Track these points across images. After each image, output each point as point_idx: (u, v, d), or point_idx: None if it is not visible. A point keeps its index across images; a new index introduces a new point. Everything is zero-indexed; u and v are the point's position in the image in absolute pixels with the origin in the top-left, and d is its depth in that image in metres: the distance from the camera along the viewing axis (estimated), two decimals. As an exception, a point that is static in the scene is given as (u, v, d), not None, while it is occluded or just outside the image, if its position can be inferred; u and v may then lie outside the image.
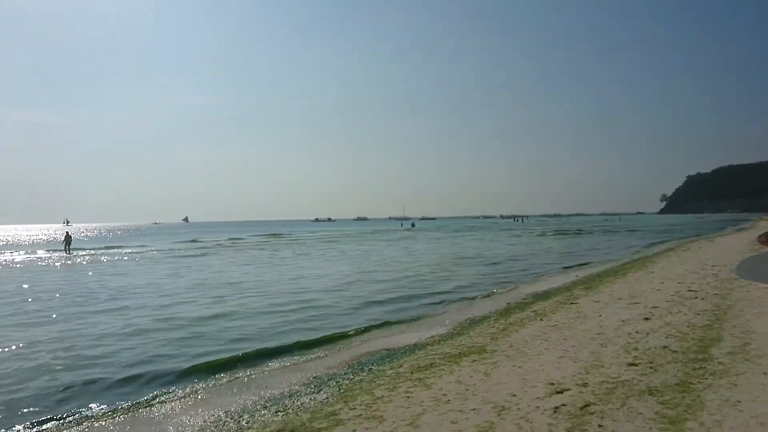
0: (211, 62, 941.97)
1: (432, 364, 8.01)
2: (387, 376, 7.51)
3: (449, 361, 8.04)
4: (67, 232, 47.66)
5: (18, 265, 31.90)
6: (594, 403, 5.53)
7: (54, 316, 13.76)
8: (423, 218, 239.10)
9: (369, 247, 45.26)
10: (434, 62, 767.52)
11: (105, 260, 34.46)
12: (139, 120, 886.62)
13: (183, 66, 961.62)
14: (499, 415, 5.46)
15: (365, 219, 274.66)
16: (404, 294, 16.51)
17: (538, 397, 5.88)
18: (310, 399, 6.80)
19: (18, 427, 6.59)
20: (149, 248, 49.08)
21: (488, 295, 15.93)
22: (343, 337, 11.01)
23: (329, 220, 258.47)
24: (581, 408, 5.44)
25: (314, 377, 8.02)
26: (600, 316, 10.43)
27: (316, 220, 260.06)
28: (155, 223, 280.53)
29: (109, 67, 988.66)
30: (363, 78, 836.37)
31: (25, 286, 20.37)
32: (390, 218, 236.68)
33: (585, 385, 6.17)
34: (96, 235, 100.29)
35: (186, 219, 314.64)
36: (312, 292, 17.29)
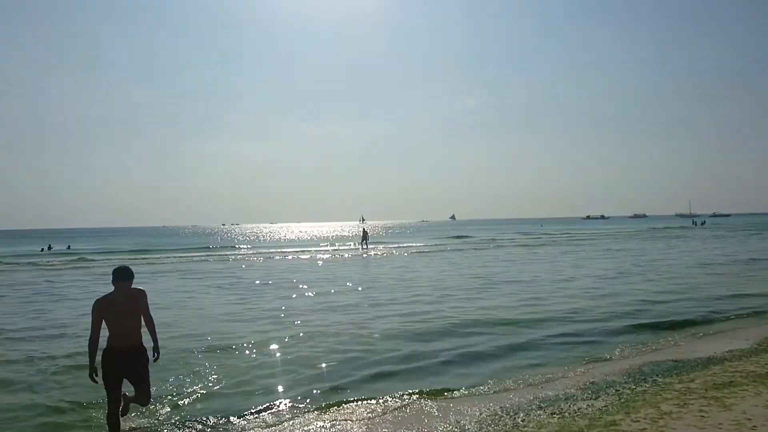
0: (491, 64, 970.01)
1: (731, 382, 7.05)
2: (675, 390, 6.86)
3: (754, 381, 6.98)
4: (363, 229, 54.11)
5: (322, 258, 37.12)
6: None
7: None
8: (714, 215, 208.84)
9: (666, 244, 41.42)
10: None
11: (405, 255, 38.15)
12: (419, 123, 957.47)
13: (464, 68, 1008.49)
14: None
15: (643, 216, 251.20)
16: (683, 297, 14.98)
17: None
18: (588, 405, 6.58)
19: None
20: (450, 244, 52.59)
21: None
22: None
23: (602, 217, 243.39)
24: None
25: (591, 382, 7.73)
26: None
27: (588, 217, 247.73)
28: (423, 221, 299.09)
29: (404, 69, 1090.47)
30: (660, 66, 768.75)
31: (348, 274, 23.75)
32: (677, 215, 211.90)
33: None
34: (383, 233, 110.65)
35: (453, 217, 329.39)
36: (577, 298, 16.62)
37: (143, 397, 6.14)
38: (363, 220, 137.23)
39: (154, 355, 6.16)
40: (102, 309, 5.73)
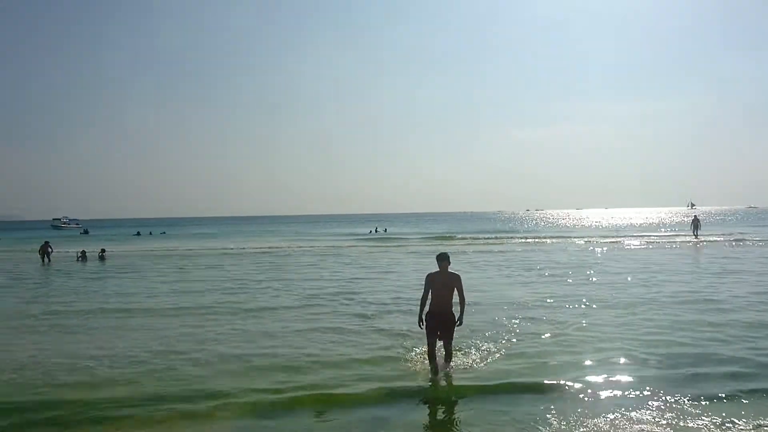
0: None
1: None
2: None
3: None
4: (695, 216, 49.11)
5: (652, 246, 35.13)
6: None
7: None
8: None
9: None
10: None
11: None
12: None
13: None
14: None
15: None
16: None
17: None
18: None
19: None
20: None
21: None
22: None
23: None
24: None
25: None
26: None
27: None
28: (751, 207, 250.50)
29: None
30: None
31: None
32: None
33: None
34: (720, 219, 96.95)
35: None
36: None
37: (447, 349, 8.47)
38: (692, 205, 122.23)
39: (458, 322, 8.35)
40: (428, 280, 8.31)
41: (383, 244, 45.86)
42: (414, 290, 14.85)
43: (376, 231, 72.41)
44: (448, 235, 59.80)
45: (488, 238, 50.94)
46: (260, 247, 44.40)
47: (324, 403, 7.40)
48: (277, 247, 44.10)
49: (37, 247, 33.74)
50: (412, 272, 22.20)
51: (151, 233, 75.03)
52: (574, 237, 49.86)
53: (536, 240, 47.11)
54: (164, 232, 78.59)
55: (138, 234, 73.28)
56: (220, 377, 8.56)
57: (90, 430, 6.68)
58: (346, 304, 14.98)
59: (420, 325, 8.37)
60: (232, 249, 43.22)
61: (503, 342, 10.26)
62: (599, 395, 7.47)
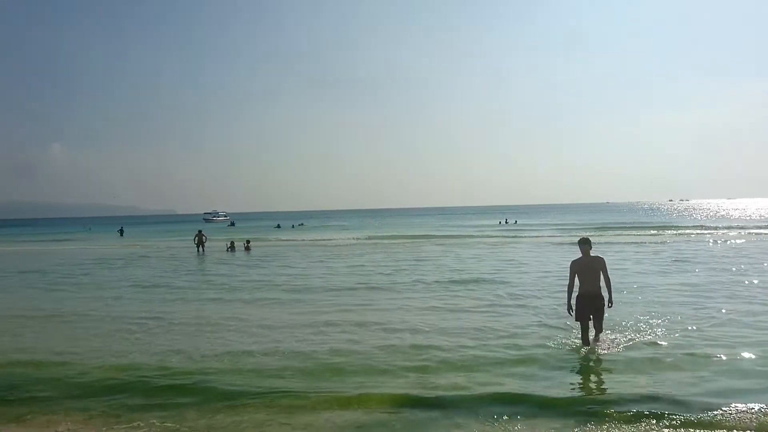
0: None
1: None
2: None
3: None
4: None
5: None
6: None
7: None
8: None
9: None
10: None
11: None
12: None
13: None
14: None
15: None
16: None
17: None
18: None
19: None
20: None
21: None
22: None
23: None
24: None
25: None
26: None
27: None
28: None
29: None
30: None
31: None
32: None
33: None
34: None
35: None
36: None
37: (598, 329, 8.81)
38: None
39: (608, 304, 8.65)
40: (573, 266, 8.72)
41: (520, 235, 44.60)
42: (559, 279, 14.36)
43: (506, 222, 70.82)
44: (594, 225, 56.92)
45: (635, 229, 47.73)
46: (403, 237, 45.12)
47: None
48: (419, 237, 44.67)
49: (189, 238, 36.63)
50: (554, 262, 21.25)
51: (294, 226, 79.09)
52: (737, 228, 44.95)
53: (696, 232, 42.82)
54: (302, 224, 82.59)
55: (278, 226, 77.60)
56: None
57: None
58: (492, 290, 14.93)
59: (569, 312, 8.71)
60: (363, 239, 44.34)
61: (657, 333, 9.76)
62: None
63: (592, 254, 8.66)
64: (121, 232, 67.48)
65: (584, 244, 8.67)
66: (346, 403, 6.79)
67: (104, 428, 6.27)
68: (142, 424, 6.31)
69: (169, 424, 6.31)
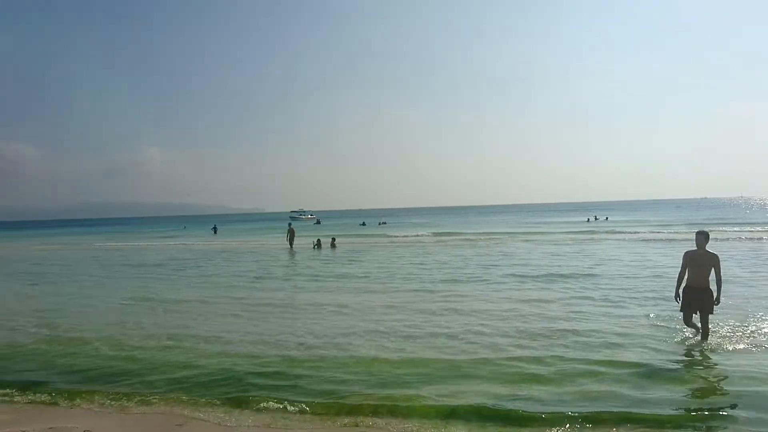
0: None
1: None
2: None
3: None
4: None
5: None
6: None
7: None
8: None
9: None
10: None
11: None
12: None
13: None
14: None
15: None
16: None
17: None
18: None
19: None
20: None
21: None
22: None
23: None
24: None
25: None
26: None
27: None
28: None
29: None
30: None
31: None
32: None
33: None
34: None
35: None
36: None
37: (704, 327, 8.78)
38: None
39: (716, 301, 8.60)
40: (686, 257, 8.77)
41: (616, 230, 42.93)
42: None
43: (595, 219, 68.33)
44: (695, 222, 53.72)
45: (737, 225, 44.70)
46: (484, 234, 44.72)
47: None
48: (497, 233, 44.09)
49: (280, 235, 37.91)
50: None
51: (380, 223, 79.95)
52: None
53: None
54: (384, 222, 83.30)
55: (363, 224, 78.72)
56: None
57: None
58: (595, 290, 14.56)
59: (676, 300, 8.86)
60: (447, 236, 44.21)
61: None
62: None
63: (708, 250, 8.62)
64: (215, 230, 70.48)
65: (701, 236, 8.66)
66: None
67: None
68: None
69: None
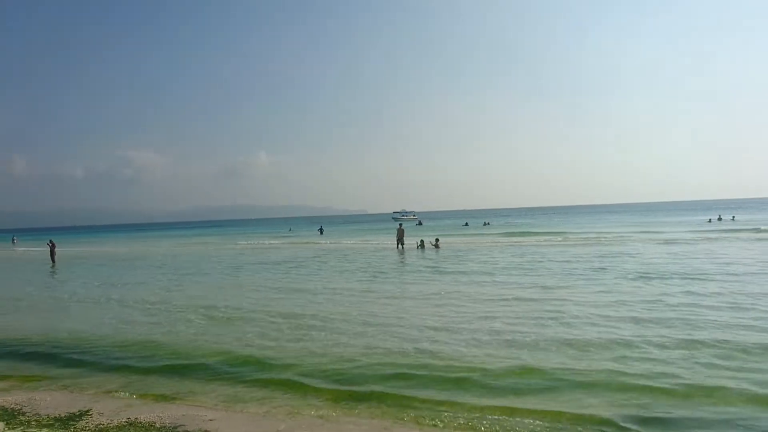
0: None
1: None
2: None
3: None
4: None
5: None
6: None
7: None
8: None
9: None
10: None
11: None
12: None
13: None
14: None
15: None
16: None
17: None
18: None
19: None
20: None
21: None
22: None
23: None
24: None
25: None
26: None
27: None
28: None
29: None
30: None
31: None
32: None
33: None
34: None
35: None
36: None
37: None
38: None
39: None
40: None
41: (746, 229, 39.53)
42: None
43: (719, 219, 62.97)
44: None
45: None
46: (607, 234, 42.95)
47: None
48: (609, 234, 42.14)
49: (387, 236, 38.22)
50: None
51: (486, 224, 78.76)
52: None
53: None
54: (488, 223, 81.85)
55: (466, 224, 77.97)
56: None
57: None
58: None
59: None
60: (554, 236, 42.86)
61: None
62: None
63: None
64: (321, 231, 72.07)
65: None
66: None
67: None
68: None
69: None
